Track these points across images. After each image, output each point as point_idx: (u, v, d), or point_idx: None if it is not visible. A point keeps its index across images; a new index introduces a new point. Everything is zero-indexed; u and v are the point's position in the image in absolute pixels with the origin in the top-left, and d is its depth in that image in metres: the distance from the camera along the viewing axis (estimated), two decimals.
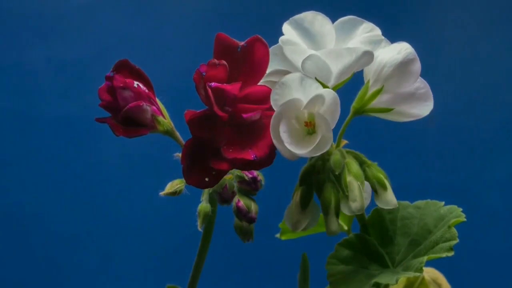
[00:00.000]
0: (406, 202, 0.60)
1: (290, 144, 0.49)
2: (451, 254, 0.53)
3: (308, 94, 0.50)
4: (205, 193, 0.58)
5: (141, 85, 0.55)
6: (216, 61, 0.51)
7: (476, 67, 1.33)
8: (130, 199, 1.29)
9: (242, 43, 0.52)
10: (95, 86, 0.55)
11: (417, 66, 0.53)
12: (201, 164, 0.51)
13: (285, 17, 0.54)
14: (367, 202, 0.54)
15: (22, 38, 1.34)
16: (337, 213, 0.53)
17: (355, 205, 0.52)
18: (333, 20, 0.54)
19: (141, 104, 0.54)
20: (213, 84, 0.50)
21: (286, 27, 0.53)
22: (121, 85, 0.54)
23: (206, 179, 0.51)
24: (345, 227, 0.67)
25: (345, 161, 0.53)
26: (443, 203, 0.58)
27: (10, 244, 1.28)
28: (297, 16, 0.53)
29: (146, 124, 0.54)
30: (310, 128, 0.51)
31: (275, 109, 0.50)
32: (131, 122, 0.54)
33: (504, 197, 1.27)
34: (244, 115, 0.50)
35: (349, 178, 0.53)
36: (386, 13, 1.34)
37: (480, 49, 1.34)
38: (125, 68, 0.55)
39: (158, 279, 1.25)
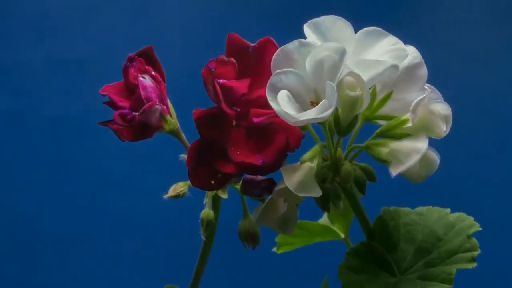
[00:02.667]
0: (407, 209, 0.59)
1: (291, 109, 0.46)
2: (474, 265, 0.53)
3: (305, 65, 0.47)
4: (208, 197, 0.58)
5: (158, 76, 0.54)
6: (224, 58, 0.51)
7: (476, 67, 1.33)
8: (130, 199, 1.29)
9: (254, 44, 0.52)
10: (96, 86, 0.55)
11: (424, 70, 0.52)
12: (207, 166, 0.50)
13: (285, 17, 0.53)
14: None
15: (22, 38, 1.34)
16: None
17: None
18: None
19: (156, 104, 0.53)
20: (221, 80, 0.50)
21: (307, 30, 0.51)
22: (141, 73, 0.53)
23: (212, 182, 0.50)
24: (342, 236, 0.66)
25: (367, 143, 0.51)
26: (448, 210, 0.57)
27: (10, 244, 1.28)
28: (316, 20, 0.51)
29: (154, 124, 0.54)
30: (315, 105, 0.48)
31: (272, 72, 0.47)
32: (141, 124, 0.53)
33: (505, 198, 1.27)
34: (255, 120, 0.50)
35: (387, 149, 0.49)
36: (388, 15, 1.34)
37: (480, 49, 1.34)
38: (145, 57, 0.54)
39: (159, 280, 1.25)
